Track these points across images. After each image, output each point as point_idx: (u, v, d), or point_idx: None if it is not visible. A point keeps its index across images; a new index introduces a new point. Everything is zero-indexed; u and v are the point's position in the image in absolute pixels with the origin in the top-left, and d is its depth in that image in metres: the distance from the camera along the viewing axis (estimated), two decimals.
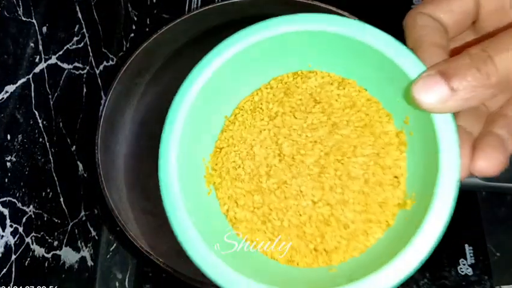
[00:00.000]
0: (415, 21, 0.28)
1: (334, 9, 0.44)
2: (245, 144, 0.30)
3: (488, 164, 0.26)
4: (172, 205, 0.27)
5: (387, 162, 0.28)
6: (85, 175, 0.49)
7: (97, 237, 0.52)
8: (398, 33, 0.28)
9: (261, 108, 0.31)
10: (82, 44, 0.48)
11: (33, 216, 0.39)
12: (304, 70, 0.31)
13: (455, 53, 0.26)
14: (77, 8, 0.47)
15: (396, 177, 0.28)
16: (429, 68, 0.26)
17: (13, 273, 0.36)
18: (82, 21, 0.47)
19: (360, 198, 0.28)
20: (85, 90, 0.49)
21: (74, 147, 0.47)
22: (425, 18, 0.28)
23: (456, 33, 0.29)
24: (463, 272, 0.49)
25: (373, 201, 0.28)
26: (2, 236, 0.35)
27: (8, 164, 0.36)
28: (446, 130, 0.26)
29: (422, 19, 0.28)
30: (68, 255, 0.46)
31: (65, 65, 0.44)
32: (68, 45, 0.45)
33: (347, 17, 0.44)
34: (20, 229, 0.37)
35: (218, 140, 0.31)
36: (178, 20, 0.47)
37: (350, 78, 0.30)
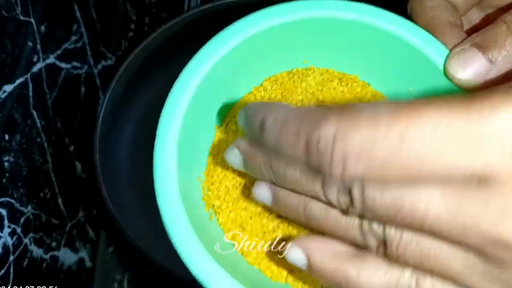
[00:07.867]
0: (423, 3, 0.26)
1: None
2: None
3: None
4: (182, 242, 0.24)
5: None
6: (84, 175, 0.49)
7: (95, 238, 0.52)
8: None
9: None
10: (80, 43, 0.47)
11: (31, 217, 0.39)
12: (300, 68, 0.28)
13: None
14: (76, 7, 0.46)
15: None
16: (462, 42, 0.24)
17: (11, 274, 0.36)
18: (80, 21, 0.47)
19: None
20: (83, 89, 0.49)
21: (72, 147, 0.47)
22: None
23: (465, 11, 0.27)
24: None
25: None
26: (0, 237, 0.35)
27: (6, 164, 0.36)
28: None
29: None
30: (67, 256, 0.45)
31: (63, 65, 0.44)
32: (66, 45, 0.45)
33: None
34: (18, 230, 0.37)
35: (210, 155, 0.27)
36: (177, 19, 0.47)
37: (351, 73, 0.28)
